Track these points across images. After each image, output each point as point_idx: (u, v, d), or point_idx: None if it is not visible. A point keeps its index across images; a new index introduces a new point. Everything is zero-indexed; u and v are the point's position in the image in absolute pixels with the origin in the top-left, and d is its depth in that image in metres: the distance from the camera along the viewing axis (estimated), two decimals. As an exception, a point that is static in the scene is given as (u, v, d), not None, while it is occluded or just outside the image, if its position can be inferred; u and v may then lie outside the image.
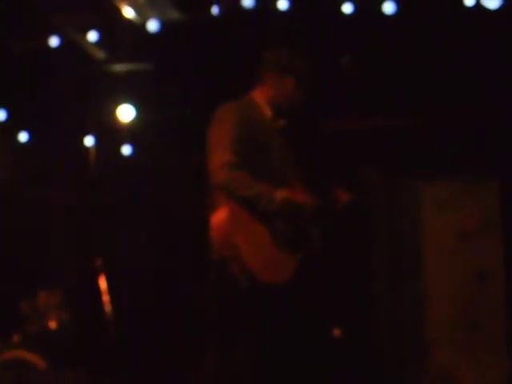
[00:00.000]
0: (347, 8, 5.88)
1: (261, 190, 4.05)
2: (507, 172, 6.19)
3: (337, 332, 6.16)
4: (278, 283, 4.07)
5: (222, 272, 4.06)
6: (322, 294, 4.91)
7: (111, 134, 6.56)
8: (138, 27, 6.22)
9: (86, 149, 6.49)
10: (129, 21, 6.21)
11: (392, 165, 6.17)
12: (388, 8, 5.80)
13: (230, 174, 4.03)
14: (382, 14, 5.78)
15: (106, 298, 5.81)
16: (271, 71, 4.32)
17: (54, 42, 6.34)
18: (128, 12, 6.16)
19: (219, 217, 4.11)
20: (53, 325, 5.49)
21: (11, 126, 6.71)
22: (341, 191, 4.39)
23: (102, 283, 5.83)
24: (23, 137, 6.76)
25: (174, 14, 6.17)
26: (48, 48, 6.34)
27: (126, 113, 6.42)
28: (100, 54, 6.54)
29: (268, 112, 4.32)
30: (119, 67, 6.59)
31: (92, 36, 6.28)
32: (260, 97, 4.33)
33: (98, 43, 6.36)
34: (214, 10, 6.01)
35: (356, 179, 4.48)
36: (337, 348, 6.13)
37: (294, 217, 4.17)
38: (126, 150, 6.71)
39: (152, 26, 6.18)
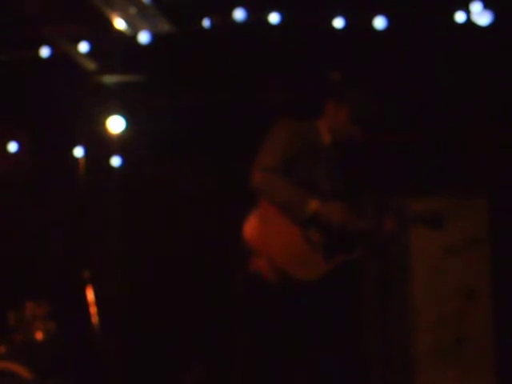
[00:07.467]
0: (338, 23, 5.91)
1: (294, 196, 4.17)
2: (494, 188, 6.22)
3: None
4: (308, 280, 4.21)
5: (251, 273, 4.24)
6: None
7: (101, 144, 6.56)
8: (129, 39, 6.20)
9: (76, 159, 6.50)
10: (120, 32, 6.20)
11: (378, 181, 6.19)
12: (379, 23, 5.83)
13: (268, 176, 4.15)
14: (372, 29, 5.81)
15: (93, 309, 5.81)
16: (330, 101, 4.47)
17: (44, 52, 6.33)
18: (119, 23, 6.16)
19: (251, 223, 4.29)
20: (39, 336, 5.45)
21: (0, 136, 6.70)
22: (387, 219, 4.46)
23: (90, 294, 5.83)
24: (12, 147, 6.74)
25: (166, 26, 6.18)
26: (38, 58, 6.33)
27: (116, 124, 6.41)
28: (91, 65, 6.53)
29: (327, 139, 4.44)
30: (110, 78, 6.60)
31: (83, 47, 6.26)
32: (323, 125, 4.47)
33: (88, 54, 6.35)
34: (206, 22, 6.02)
35: (394, 211, 4.56)
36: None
37: (326, 228, 4.23)
38: (116, 161, 6.69)
39: (143, 37, 6.17)
